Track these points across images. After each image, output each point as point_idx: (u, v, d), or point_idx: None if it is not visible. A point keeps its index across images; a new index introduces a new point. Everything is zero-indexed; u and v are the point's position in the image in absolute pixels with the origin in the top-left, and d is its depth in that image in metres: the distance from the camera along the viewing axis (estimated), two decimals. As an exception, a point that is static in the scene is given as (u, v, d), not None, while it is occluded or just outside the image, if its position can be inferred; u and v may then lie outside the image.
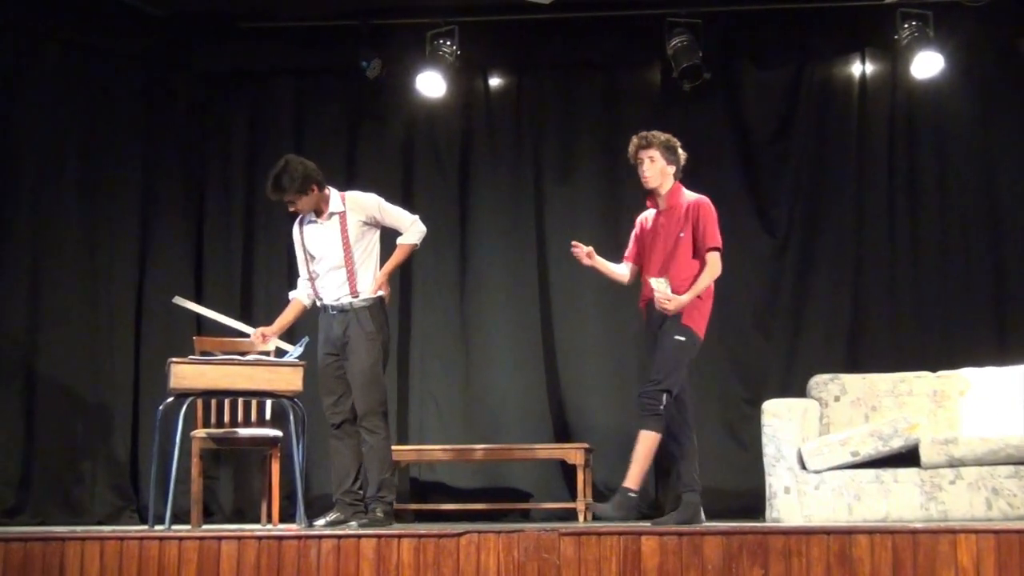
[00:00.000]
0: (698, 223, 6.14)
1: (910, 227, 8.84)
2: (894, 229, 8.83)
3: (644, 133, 6.33)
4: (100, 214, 8.73)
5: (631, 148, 6.31)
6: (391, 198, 8.92)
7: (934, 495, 6.77)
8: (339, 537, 4.88)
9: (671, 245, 6.14)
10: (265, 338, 6.52)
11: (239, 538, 4.92)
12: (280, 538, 4.92)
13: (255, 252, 9.16)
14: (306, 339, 6.52)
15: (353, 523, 6.12)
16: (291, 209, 6.41)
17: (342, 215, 6.36)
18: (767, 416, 7.19)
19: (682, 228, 6.14)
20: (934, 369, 7.57)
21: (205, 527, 6.65)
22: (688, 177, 8.99)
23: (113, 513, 8.35)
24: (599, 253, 8.94)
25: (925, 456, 6.81)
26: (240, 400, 6.88)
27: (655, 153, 6.22)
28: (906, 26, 8.51)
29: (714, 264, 6.12)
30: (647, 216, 6.40)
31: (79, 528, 6.77)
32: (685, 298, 6.03)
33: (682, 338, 6.06)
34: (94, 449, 8.47)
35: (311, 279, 6.46)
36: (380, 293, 6.35)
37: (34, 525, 7.80)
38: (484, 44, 9.05)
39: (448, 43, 8.80)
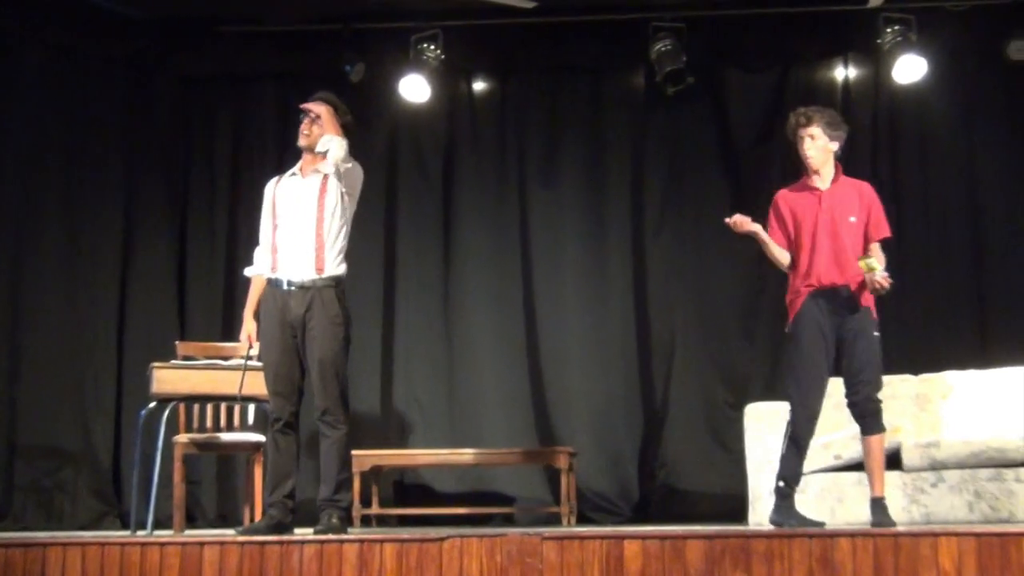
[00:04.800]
0: (872, 211, 5.77)
1: (892, 230, 8.84)
2: (876, 232, 8.85)
3: (803, 109, 5.85)
4: (82, 218, 8.71)
5: (790, 125, 5.87)
6: (375, 202, 9.04)
7: (916, 498, 6.78)
8: (322, 542, 4.86)
9: (842, 229, 5.71)
10: (251, 338, 5.85)
11: (221, 543, 4.90)
12: (262, 543, 4.90)
13: (238, 255, 9.12)
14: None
15: (294, 530, 5.65)
16: (304, 126, 5.78)
17: (325, 176, 5.76)
18: (750, 420, 7.21)
19: (854, 212, 5.73)
20: (916, 372, 7.59)
21: (187, 532, 6.62)
22: (673, 180, 9.10)
23: (95, 519, 8.32)
24: (584, 257, 9.06)
25: (907, 459, 6.83)
26: (223, 405, 6.85)
27: (816, 130, 5.76)
28: (889, 30, 8.55)
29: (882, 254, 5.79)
30: (795, 196, 5.88)
31: (60, 534, 6.75)
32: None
33: (878, 334, 5.68)
34: (76, 454, 8.44)
35: (273, 249, 5.76)
36: (343, 271, 5.76)
37: (16, 531, 7.77)
38: (468, 48, 9.06)
39: (432, 47, 8.80)
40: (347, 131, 5.84)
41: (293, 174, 5.86)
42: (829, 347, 5.68)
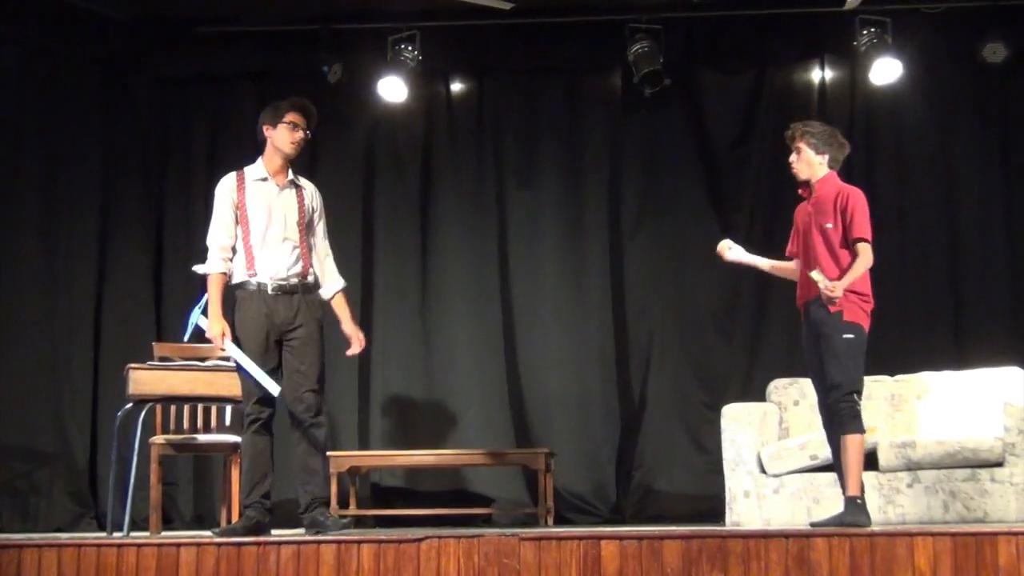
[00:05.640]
0: (846, 213, 5.78)
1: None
2: (853, 234, 8.89)
3: (795, 124, 6.02)
4: (58, 219, 8.67)
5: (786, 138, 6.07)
6: (352, 203, 9.04)
7: (892, 498, 6.82)
8: (299, 543, 4.86)
9: (818, 238, 5.82)
10: (224, 335, 5.69)
11: (198, 545, 4.89)
12: (239, 544, 4.89)
13: (215, 257, 9.09)
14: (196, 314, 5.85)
15: (274, 531, 5.68)
16: (292, 139, 5.74)
17: (301, 189, 5.84)
18: (727, 421, 7.22)
19: (830, 219, 5.80)
20: (892, 373, 7.62)
21: (164, 534, 6.60)
22: (650, 181, 9.12)
23: (71, 520, 8.29)
24: (561, 258, 9.06)
25: (883, 459, 6.86)
26: (199, 405, 6.83)
27: (800, 145, 5.92)
28: (865, 33, 8.58)
29: (865, 254, 5.75)
30: (798, 209, 6.07)
31: (36, 535, 6.72)
32: (845, 282, 5.67)
33: (851, 335, 5.72)
34: (52, 456, 8.41)
35: (248, 252, 5.71)
36: (315, 279, 5.83)
37: (-9, 533, 7.74)
38: (445, 49, 9.05)
39: (409, 48, 8.80)
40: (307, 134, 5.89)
41: (264, 179, 5.80)
42: (814, 358, 5.85)
